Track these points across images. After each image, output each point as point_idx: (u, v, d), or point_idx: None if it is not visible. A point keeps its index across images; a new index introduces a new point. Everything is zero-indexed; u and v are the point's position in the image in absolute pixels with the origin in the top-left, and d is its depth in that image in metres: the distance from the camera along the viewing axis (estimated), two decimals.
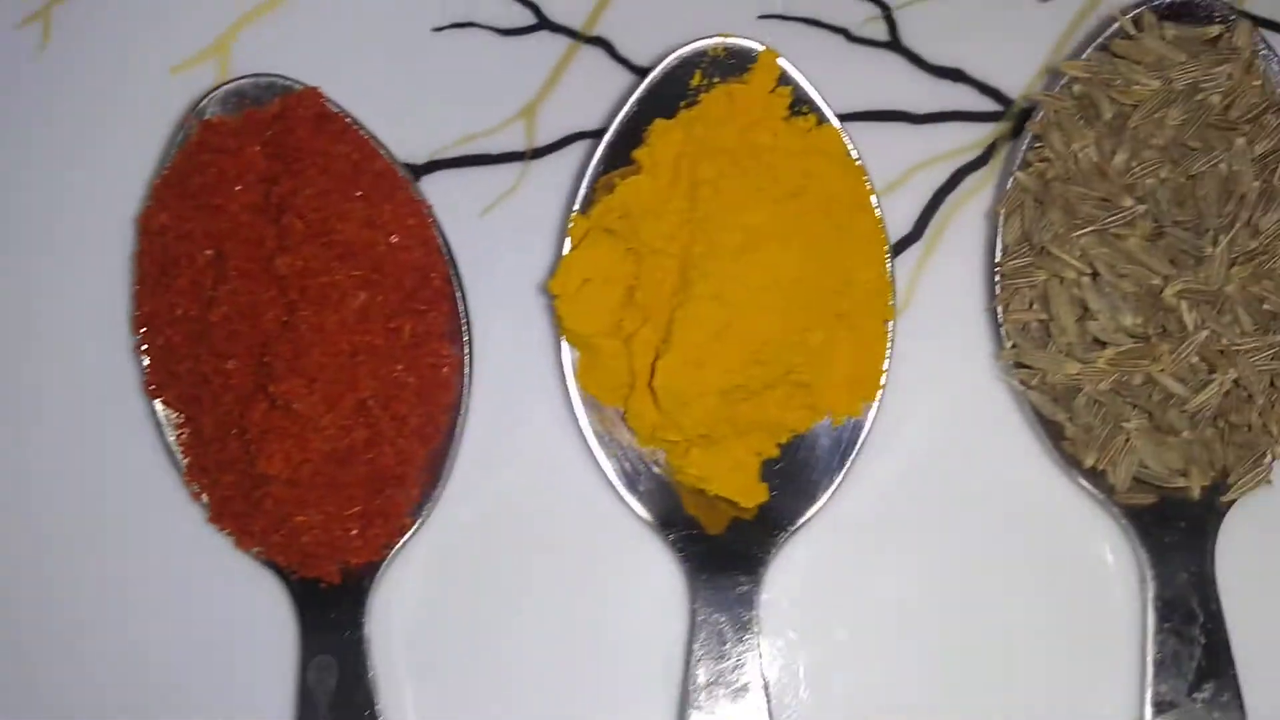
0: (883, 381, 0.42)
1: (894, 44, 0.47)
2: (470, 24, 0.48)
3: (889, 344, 0.42)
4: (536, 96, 0.47)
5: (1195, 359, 0.40)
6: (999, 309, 0.42)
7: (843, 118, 0.45)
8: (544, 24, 0.48)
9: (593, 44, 0.48)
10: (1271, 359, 0.39)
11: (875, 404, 0.42)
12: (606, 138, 0.43)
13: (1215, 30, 0.41)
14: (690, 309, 0.40)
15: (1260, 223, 0.39)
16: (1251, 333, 0.39)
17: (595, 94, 0.47)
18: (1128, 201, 0.40)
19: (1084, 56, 0.42)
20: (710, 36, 0.42)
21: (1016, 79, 0.46)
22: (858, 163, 0.42)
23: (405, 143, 0.46)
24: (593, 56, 0.48)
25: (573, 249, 0.42)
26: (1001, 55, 0.47)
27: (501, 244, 0.46)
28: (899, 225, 0.45)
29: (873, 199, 0.42)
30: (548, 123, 0.47)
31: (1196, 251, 0.39)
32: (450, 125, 0.47)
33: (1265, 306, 0.39)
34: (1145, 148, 0.40)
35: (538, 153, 0.47)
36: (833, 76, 0.45)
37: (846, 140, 0.42)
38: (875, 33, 0.48)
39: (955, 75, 0.47)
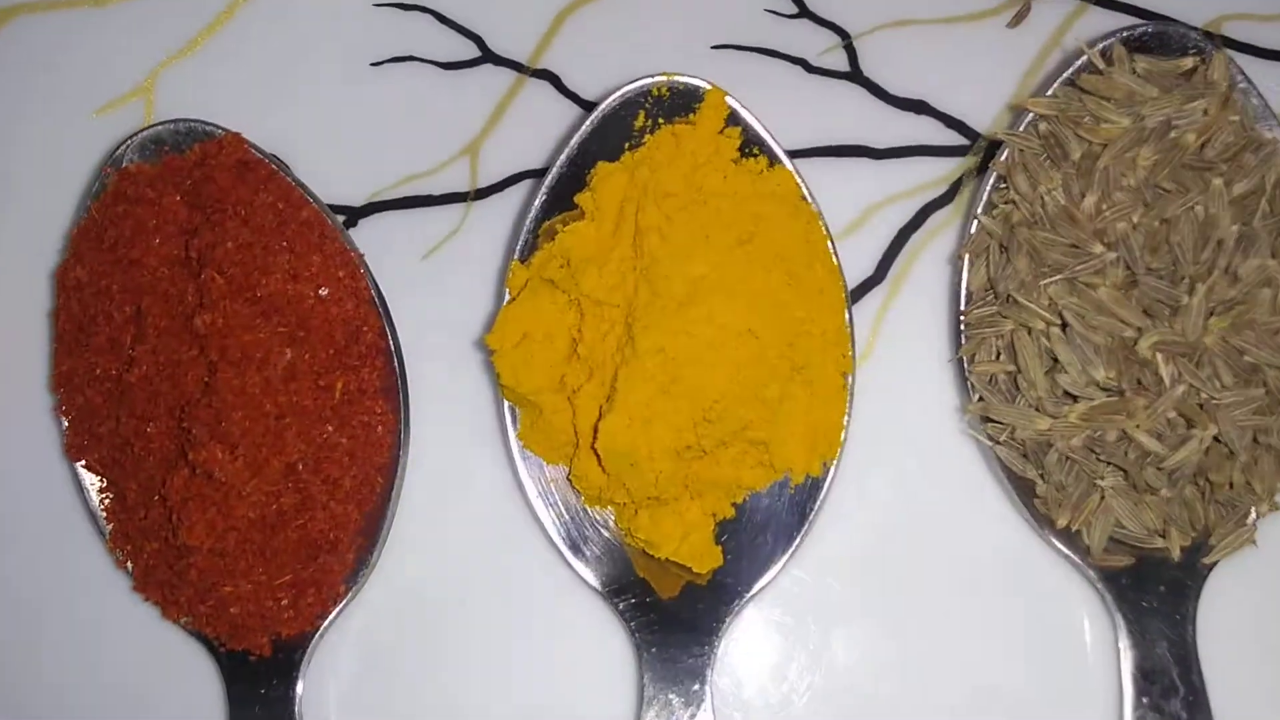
0: (843, 437, 0.40)
1: (854, 74, 0.45)
2: (410, 58, 0.46)
3: (848, 397, 0.40)
4: (480, 133, 0.45)
5: (1173, 414, 0.37)
6: (965, 360, 0.40)
7: (801, 153, 0.43)
8: (488, 56, 0.46)
9: (539, 77, 0.46)
10: (1254, 414, 0.37)
11: (835, 461, 0.40)
12: (547, 182, 0.40)
13: (1190, 62, 0.39)
14: (635, 364, 0.38)
15: (1240, 269, 0.37)
16: (1232, 386, 0.37)
17: (542, 131, 0.45)
18: (1098, 248, 0.37)
19: (1050, 92, 0.39)
20: (654, 75, 0.40)
21: (984, 112, 0.44)
22: (812, 206, 0.40)
23: (341, 185, 0.44)
24: (539, 91, 0.45)
25: (511, 300, 0.40)
26: (967, 86, 0.44)
27: (442, 292, 0.44)
28: (861, 267, 0.43)
29: (829, 244, 0.40)
30: (492, 161, 0.45)
31: (1172, 301, 0.37)
32: (390, 165, 0.45)
33: (1246, 358, 0.37)
34: (1116, 189, 0.37)
35: (481, 193, 0.45)
36: (790, 110, 0.44)
37: (800, 183, 0.40)
38: (835, 63, 0.45)
39: (919, 107, 0.44)
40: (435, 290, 0.44)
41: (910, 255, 0.43)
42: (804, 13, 0.46)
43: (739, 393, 0.38)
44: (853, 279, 0.43)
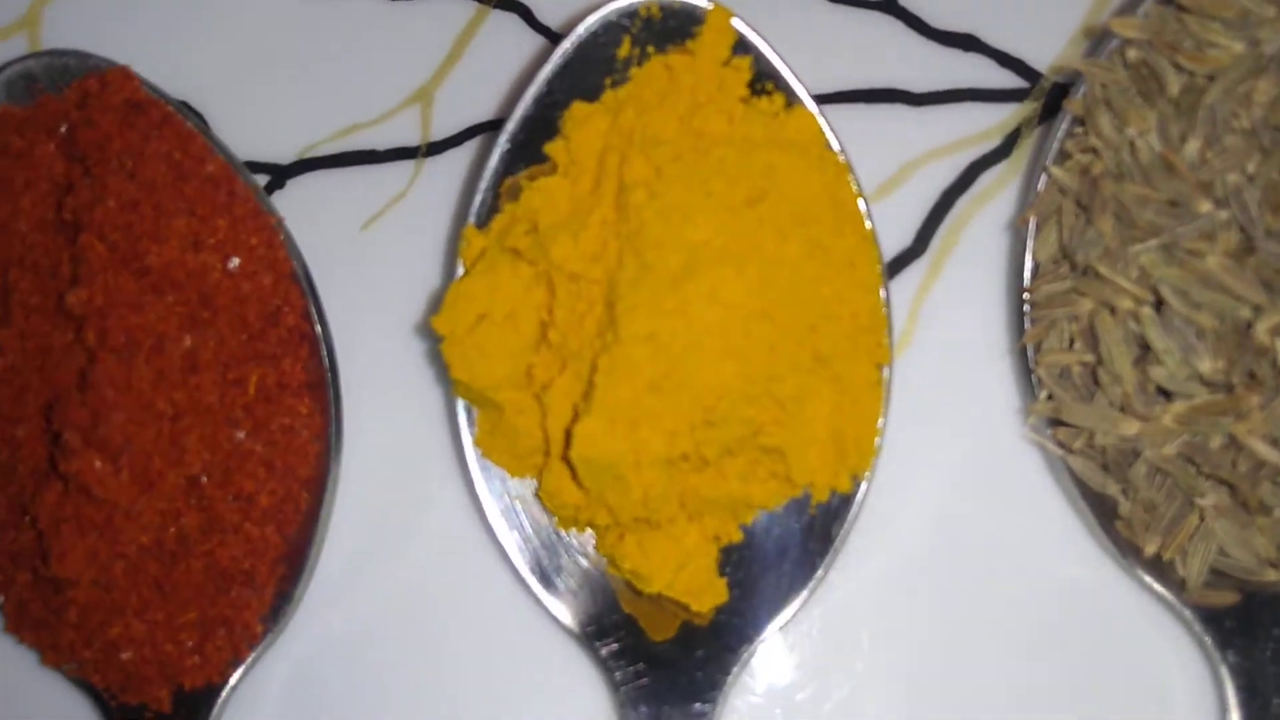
0: (877, 444, 0.33)
1: (889, 3, 0.38)
2: None
3: (884, 395, 0.33)
4: (434, 77, 0.39)
5: None
6: (1030, 349, 0.33)
7: (822, 98, 0.37)
8: None
9: (505, 8, 0.39)
10: None
11: (868, 474, 0.33)
12: (509, 128, 0.34)
13: None
14: (618, 353, 0.31)
15: None
16: None
17: (508, 73, 0.39)
18: (1205, 206, 0.30)
19: (1140, 12, 0.32)
20: None
21: (1046, 47, 0.38)
22: (841, 158, 0.33)
23: (266, 139, 0.39)
24: (505, 25, 0.39)
25: (465, 275, 0.33)
26: (1026, 16, 0.38)
27: (385, 266, 0.38)
28: (897, 238, 0.37)
29: (860, 204, 0.33)
30: (447, 110, 0.39)
31: None
32: (327, 115, 0.39)
33: None
34: (1227, 133, 0.31)
35: (434, 147, 0.39)
36: (811, 44, 0.37)
37: (826, 127, 0.33)
38: None
39: (966, 42, 0.38)
40: (376, 265, 0.38)
41: (958, 222, 0.37)
42: None
43: (748, 389, 0.31)
44: (888, 250, 0.36)
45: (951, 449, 0.35)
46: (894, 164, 0.37)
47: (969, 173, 0.37)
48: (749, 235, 0.32)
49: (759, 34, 0.33)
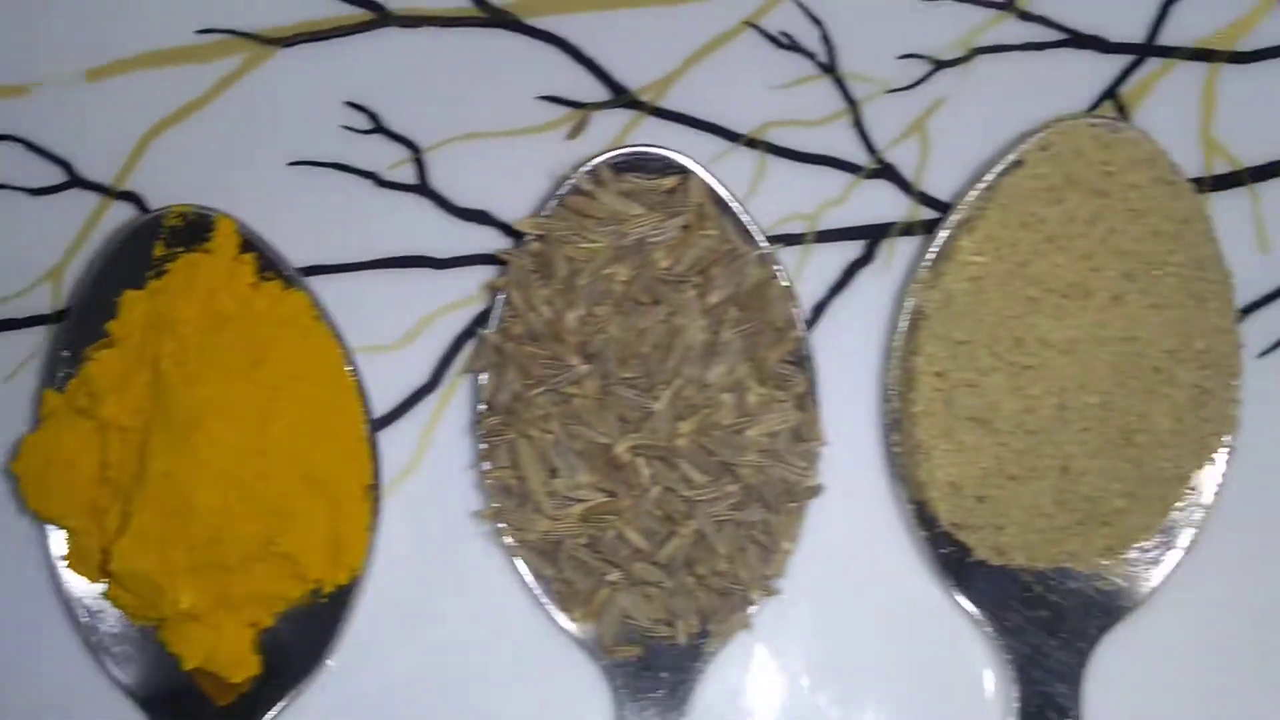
0: (367, 546, 0.41)
1: (422, 187, 0.47)
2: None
3: (373, 508, 0.42)
4: (64, 258, 0.47)
5: (658, 512, 0.39)
6: (482, 467, 0.42)
7: (366, 265, 0.45)
8: (75, 181, 0.48)
9: (124, 199, 0.47)
10: (730, 509, 0.39)
11: (363, 569, 0.41)
12: (74, 312, 0.42)
13: (670, 182, 0.41)
14: (146, 488, 0.39)
15: (706, 376, 0.39)
16: (705, 485, 0.39)
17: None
18: (574, 360, 0.39)
19: (546, 212, 0.41)
20: (165, 206, 0.42)
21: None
22: (326, 327, 0.42)
23: None
24: (124, 213, 0.47)
25: (36, 429, 0.41)
26: (526, 196, 0.45)
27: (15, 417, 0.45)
28: (416, 376, 0.45)
29: (346, 362, 0.42)
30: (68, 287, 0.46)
31: (643, 408, 0.39)
32: None
33: (715, 459, 0.39)
34: (596, 305, 0.40)
35: (63, 315, 0.46)
36: (361, 223, 0.45)
37: (314, 303, 0.42)
38: (405, 176, 0.47)
39: (481, 217, 0.46)
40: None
41: (463, 363, 0.45)
42: (378, 128, 0.48)
43: (248, 510, 0.40)
44: (410, 387, 0.45)
45: (431, 547, 0.43)
46: (416, 316, 0.45)
47: (475, 322, 0.45)
48: (248, 392, 0.40)
49: (258, 233, 0.42)
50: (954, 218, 0.41)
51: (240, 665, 0.41)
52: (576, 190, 0.41)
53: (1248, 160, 0.46)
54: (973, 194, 0.41)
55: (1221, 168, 0.46)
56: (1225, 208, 0.45)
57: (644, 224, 0.40)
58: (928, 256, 0.42)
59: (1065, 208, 0.40)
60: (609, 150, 0.42)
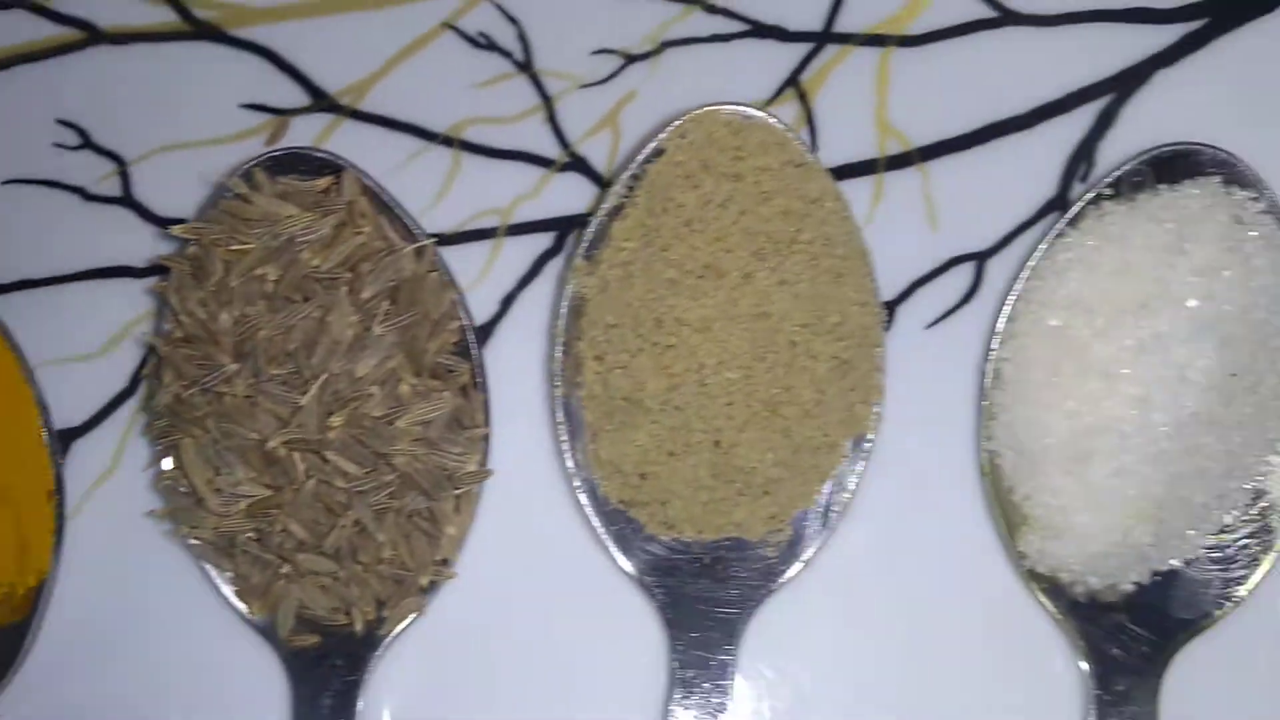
0: (53, 550, 0.43)
1: (126, 199, 0.48)
2: None
3: (56, 513, 0.43)
4: None
5: (318, 504, 0.41)
6: (157, 469, 0.43)
7: (75, 277, 0.47)
8: None
9: None
10: (389, 497, 0.41)
11: (48, 572, 0.43)
12: None
13: (325, 182, 0.42)
14: None
15: (355, 369, 0.40)
16: (360, 475, 0.40)
17: None
18: (225, 360, 0.41)
19: (203, 218, 0.43)
20: None
21: None
22: (12, 353, 0.43)
23: None
24: None
25: None
26: None
27: None
28: (120, 382, 0.46)
29: (29, 383, 0.43)
30: None
31: (292, 403, 0.40)
32: None
33: (367, 449, 0.40)
34: (250, 305, 0.41)
35: None
36: (67, 237, 0.47)
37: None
38: (111, 189, 0.49)
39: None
40: None
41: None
42: (87, 144, 0.49)
43: None
44: (110, 393, 0.46)
45: (125, 549, 0.44)
46: (119, 325, 0.46)
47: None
48: None
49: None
50: (606, 205, 0.43)
51: None
52: (232, 194, 0.42)
53: (919, 140, 0.47)
54: (619, 183, 0.43)
55: (895, 149, 0.48)
56: (900, 187, 0.47)
57: (296, 224, 0.41)
58: (583, 244, 0.43)
59: (701, 192, 0.41)
60: (261, 154, 0.43)
